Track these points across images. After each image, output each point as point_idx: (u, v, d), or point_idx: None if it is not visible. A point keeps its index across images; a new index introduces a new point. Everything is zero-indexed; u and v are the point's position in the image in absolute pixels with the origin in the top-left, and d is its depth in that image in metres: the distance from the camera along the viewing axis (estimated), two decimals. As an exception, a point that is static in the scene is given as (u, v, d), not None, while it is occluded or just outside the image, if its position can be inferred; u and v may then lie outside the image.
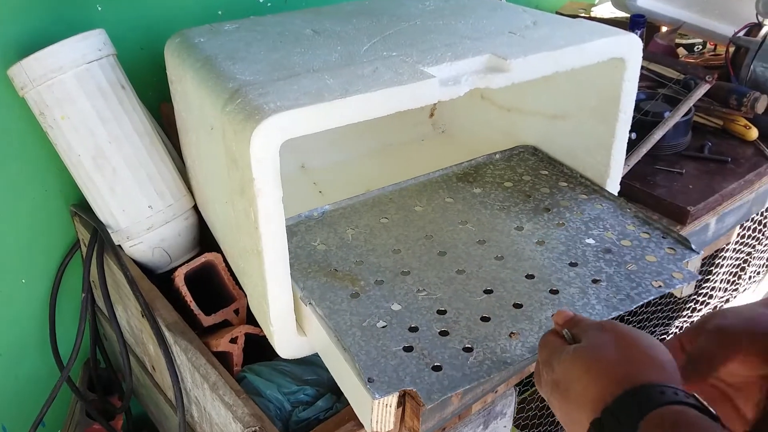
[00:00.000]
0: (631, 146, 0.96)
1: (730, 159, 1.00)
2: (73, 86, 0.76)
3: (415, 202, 0.79)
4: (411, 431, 0.65)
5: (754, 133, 1.04)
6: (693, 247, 0.68)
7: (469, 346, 0.58)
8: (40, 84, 0.76)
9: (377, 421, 0.55)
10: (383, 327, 0.60)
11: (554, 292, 0.64)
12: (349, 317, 0.61)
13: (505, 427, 0.79)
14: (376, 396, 0.53)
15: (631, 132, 0.98)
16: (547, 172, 0.84)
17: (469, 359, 0.57)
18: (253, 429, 0.62)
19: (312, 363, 0.69)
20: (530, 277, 0.66)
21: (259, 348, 0.75)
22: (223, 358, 0.72)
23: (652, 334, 1.08)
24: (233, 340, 0.73)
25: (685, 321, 1.12)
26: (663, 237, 0.71)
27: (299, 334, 0.65)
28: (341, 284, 0.65)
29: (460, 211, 0.77)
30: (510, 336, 0.59)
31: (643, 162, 0.96)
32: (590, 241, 0.71)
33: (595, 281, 0.65)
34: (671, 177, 0.96)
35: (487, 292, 0.65)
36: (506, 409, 0.77)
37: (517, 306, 0.63)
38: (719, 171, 0.97)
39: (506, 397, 0.75)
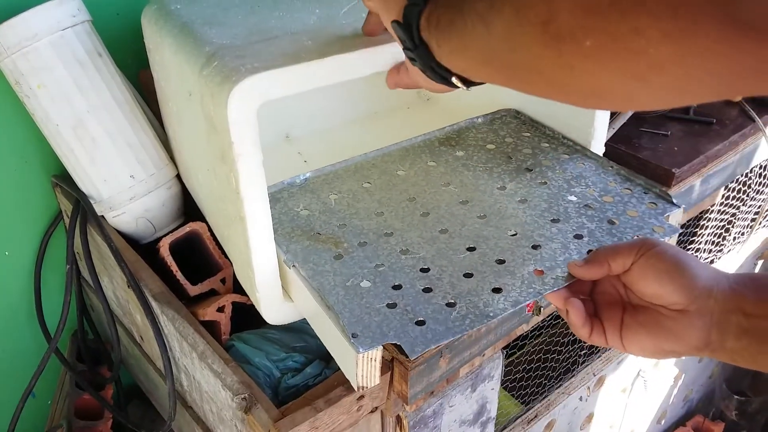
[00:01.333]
0: (617, 109, 0.96)
1: (714, 120, 0.99)
2: (49, 54, 0.74)
3: (398, 166, 0.79)
4: (400, 395, 0.66)
5: (738, 94, 1.04)
6: (674, 201, 0.69)
7: (452, 301, 0.59)
8: (15, 52, 0.74)
9: (363, 376, 0.56)
10: (367, 286, 0.61)
11: (536, 247, 0.65)
12: (332, 278, 0.61)
13: (492, 389, 0.80)
14: (360, 350, 0.54)
15: (616, 94, 0.98)
16: (529, 134, 0.83)
17: (452, 314, 0.58)
18: (243, 396, 0.62)
19: (300, 330, 0.69)
20: (513, 234, 0.67)
21: (246, 316, 0.75)
22: (211, 327, 0.72)
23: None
24: (220, 309, 0.73)
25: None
26: (644, 192, 0.71)
27: (285, 300, 0.65)
28: (324, 247, 0.65)
29: (442, 173, 0.77)
30: (493, 291, 0.60)
31: (628, 124, 0.96)
32: (572, 198, 0.71)
33: (577, 236, 0.65)
34: (656, 139, 0.95)
35: (470, 249, 0.65)
36: (494, 371, 0.78)
37: (500, 262, 0.63)
38: (704, 132, 0.97)
39: (493, 360, 0.76)
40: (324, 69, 0.56)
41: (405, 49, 0.48)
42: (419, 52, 0.47)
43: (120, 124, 0.80)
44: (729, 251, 1.22)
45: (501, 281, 0.61)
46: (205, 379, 0.69)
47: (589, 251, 0.62)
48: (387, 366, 0.65)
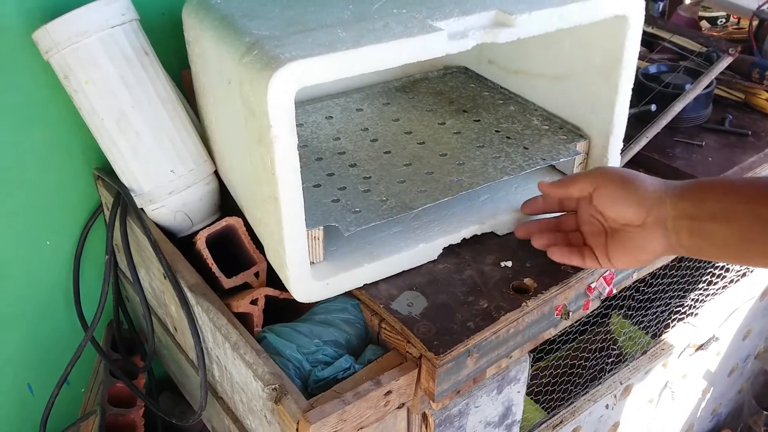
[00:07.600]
0: (651, 118, 0.95)
1: (750, 132, 0.99)
2: (98, 50, 0.77)
3: (358, 105, 0.94)
4: (427, 392, 0.67)
5: (775, 107, 1.03)
6: (582, 134, 0.83)
7: (385, 198, 0.73)
8: (65, 47, 0.76)
9: (310, 253, 0.68)
10: (317, 187, 0.75)
11: (461, 164, 0.79)
12: None
13: (518, 392, 0.80)
14: (306, 229, 0.64)
15: (651, 104, 0.98)
16: (473, 86, 0.99)
17: (382, 206, 0.72)
18: (273, 387, 0.63)
19: (331, 324, 0.70)
20: (444, 155, 0.82)
21: (278, 310, 0.76)
22: (244, 319, 0.73)
23: (667, 306, 1.09)
24: (254, 302, 0.74)
25: (700, 293, 1.13)
26: (560, 128, 0.85)
27: (315, 279, 0.69)
28: None
29: (394, 111, 0.92)
30: (419, 192, 0.74)
31: (663, 134, 0.95)
32: (498, 130, 0.86)
33: (495, 157, 0.81)
34: (690, 149, 0.95)
35: (407, 165, 0.80)
36: (520, 375, 0.78)
37: (429, 173, 0.78)
38: (739, 144, 0.97)
39: (520, 363, 0.76)
40: (357, 58, 0.58)
41: None
42: None
43: (163, 120, 0.82)
44: (762, 265, 1.20)
45: (427, 185, 0.75)
46: (237, 370, 0.70)
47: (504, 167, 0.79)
48: (415, 363, 0.66)
